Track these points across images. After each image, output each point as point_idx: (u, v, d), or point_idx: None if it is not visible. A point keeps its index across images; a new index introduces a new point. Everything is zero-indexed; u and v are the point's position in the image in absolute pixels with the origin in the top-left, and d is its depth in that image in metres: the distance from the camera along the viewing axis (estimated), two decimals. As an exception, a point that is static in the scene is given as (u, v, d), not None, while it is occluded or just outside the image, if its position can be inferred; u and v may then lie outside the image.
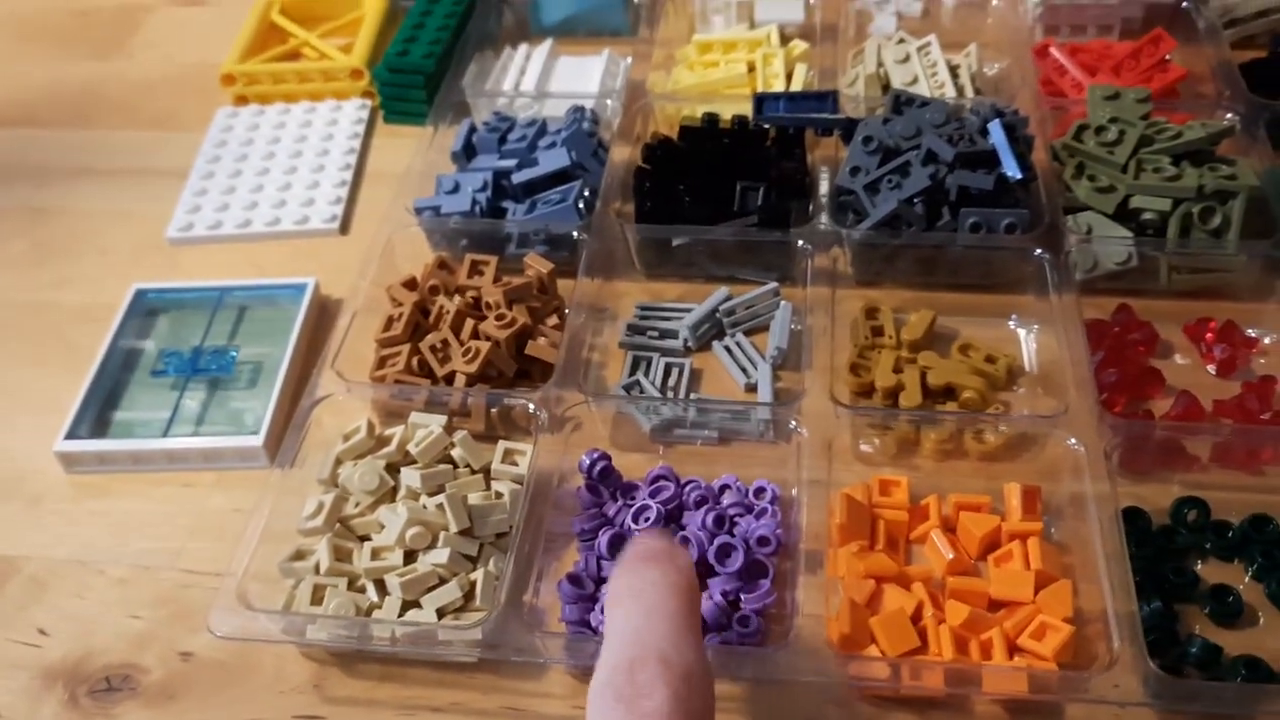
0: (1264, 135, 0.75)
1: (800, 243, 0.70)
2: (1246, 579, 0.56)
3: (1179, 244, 0.68)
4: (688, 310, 0.70)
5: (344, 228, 0.81)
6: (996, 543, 0.58)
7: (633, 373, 0.68)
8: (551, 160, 0.75)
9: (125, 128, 0.93)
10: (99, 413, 0.68)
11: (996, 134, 0.70)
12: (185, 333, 0.72)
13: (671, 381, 0.67)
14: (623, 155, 0.79)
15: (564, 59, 0.91)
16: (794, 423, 0.61)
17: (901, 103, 0.75)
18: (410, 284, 0.70)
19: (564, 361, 0.66)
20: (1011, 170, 0.69)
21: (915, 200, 0.69)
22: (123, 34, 1.04)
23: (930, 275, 0.71)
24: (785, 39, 0.90)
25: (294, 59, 0.95)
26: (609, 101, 0.82)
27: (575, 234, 0.71)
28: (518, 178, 0.75)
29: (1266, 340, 0.67)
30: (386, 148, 0.88)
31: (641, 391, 0.66)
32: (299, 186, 0.83)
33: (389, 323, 0.67)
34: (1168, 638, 0.53)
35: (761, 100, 0.78)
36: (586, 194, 0.74)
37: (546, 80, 0.88)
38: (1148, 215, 0.69)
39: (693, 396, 0.67)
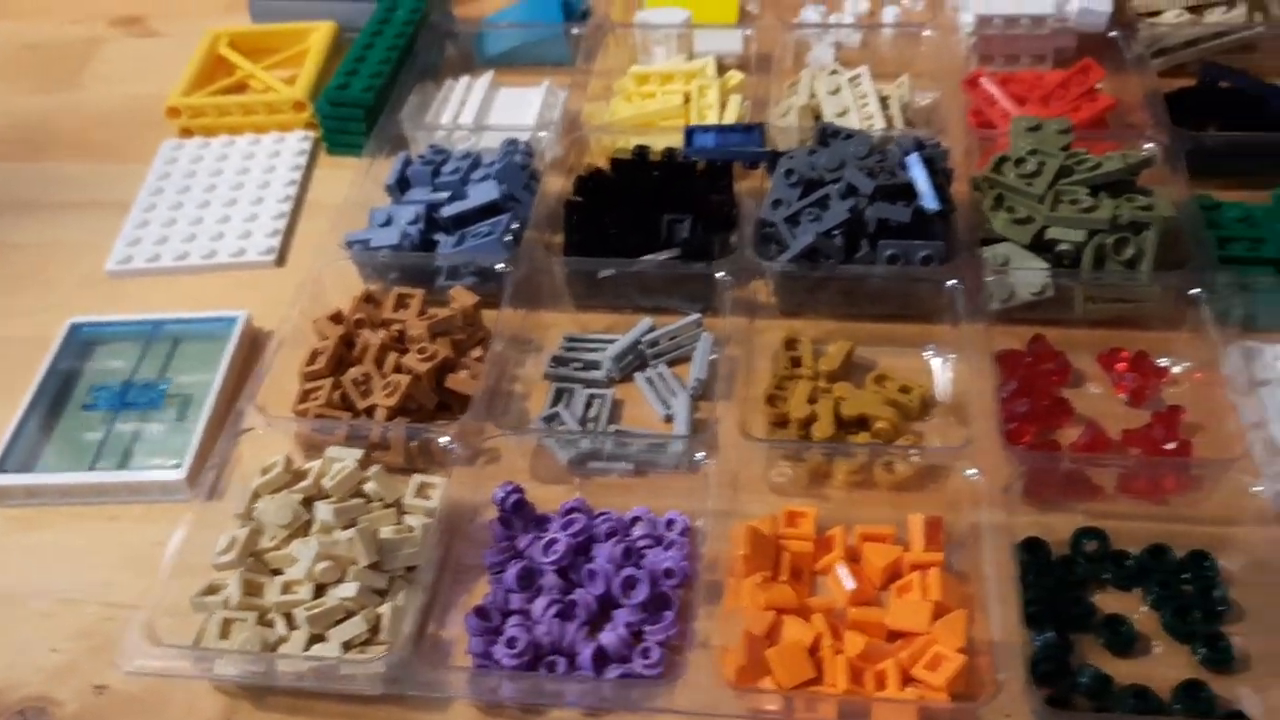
0: (1184, 166, 0.76)
1: (720, 274, 0.70)
2: (1144, 608, 0.57)
3: (1093, 275, 0.69)
4: (613, 341, 0.71)
5: (281, 259, 0.82)
6: (899, 573, 0.58)
7: (554, 404, 0.69)
8: (481, 193, 0.76)
9: (74, 160, 0.94)
10: (30, 447, 0.69)
11: (915, 167, 0.71)
12: (118, 366, 0.73)
13: (592, 413, 0.68)
14: (557, 187, 0.80)
15: (504, 90, 0.92)
16: (700, 455, 0.62)
17: (828, 135, 0.76)
18: (336, 318, 0.71)
19: (487, 394, 0.67)
20: (929, 203, 0.70)
21: (834, 233, 0.70)
22: (75, 67, 1.05)
23: (852, 306, 0.72)
24: (724, 69, 0.91)
25: (241, 91, 0.96)
26: (542, 134, 0.83)
27: (500, 267, 0.72)
28: (447, 211, 0.76)
29: (1177, 370, 0.67)
30: (329, 179, 0.89)
31: (561, 423, 0.67)
32: (237, 219, 0.84)
33: (313, 357, 0.68)
34: (1059, 668, 0.54)
35: (691, 132, 0.79)
36: (515, 226, 0.75)
37: (486, 112, 0.90)
38: (1063, 246, 0.70)
39: (612, 428, 0.68)
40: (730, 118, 0.85)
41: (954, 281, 0.68)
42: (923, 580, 0.57)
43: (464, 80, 0.93)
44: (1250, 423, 0.61)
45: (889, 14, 0.98)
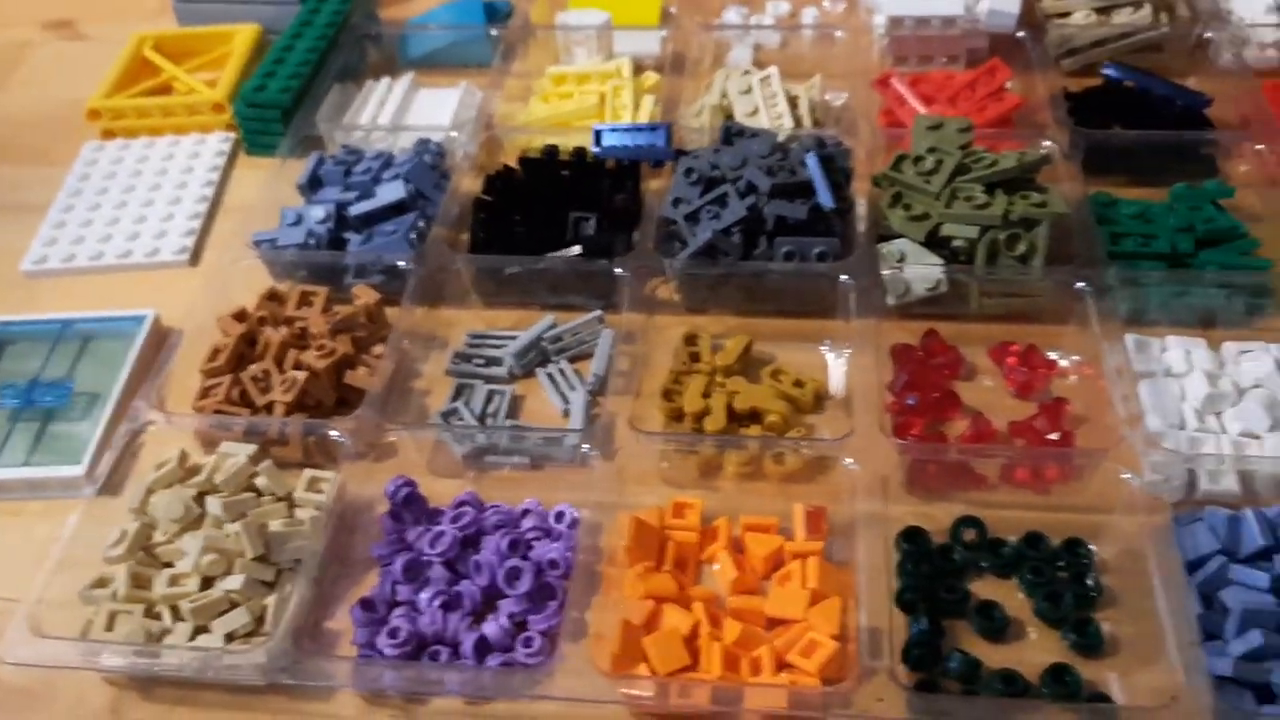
0: (1080, 164, 0.77)
1: (620, 271, 0.71)
2: (1021, 595, 0.58)
3: (986, 270, 0.71)
4: (516, 338, 0.72)
5: (195, 259, 0.82)
6: (780, 562, 0.59)
7: (455, 400, 0.69)
8: (388, 193, 0.77)
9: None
10: (-66, 445, 0.69)
11: (812, 165, 0.72)
12: (28, 364, 0.74)
13: (492, 408, 0.69)
14: (470, 186, 0.81)
15: (423, 91, 0.93)
16: (587, 448, 0.63)
17: (732, 134, 0.77)
18: (240, 315, 0.71)
19: (387, 390, 0.67)
20: (825, 200, 0.71)
21: (733, 230, 0.71)
22: (3, 71, 1.05)
23: (752, 302, 0.73)
24: (645, 71, 0.92)
25: (166, 94, 0.96)
26: (454, 134, 0.84)
27: (404, 264, 0.73)
28: (355, 210, 0.76)
29: (1065, 363, 0.69)
30: (248, 180, 0.89)
31: (459, 418, 0.68)
32: (154, 219, 0.84)
33: (214, 353, 0.69)
34: (932, 653, 0.55)
35: (600, 132, 0.80)
36: (422, 225, 0.76)
37: (404, 113, 0.90)
38: (958, 242, 0.71)
39: (508, 423, 0.68)
40: (644, 118, 0.86)
41: (846, 277, 0.69)
42: (802, 569, 0.58)
43: (384, 81, 0.93)
44: (1131, 414, 0.62)
45: (808, 16, 0.99)
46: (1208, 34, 0.90)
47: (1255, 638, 0.51)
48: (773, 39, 0.97)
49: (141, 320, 0.74)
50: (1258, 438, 0.63)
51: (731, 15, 1.00)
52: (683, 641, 0.55)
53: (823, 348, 0.71)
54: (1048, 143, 0.78)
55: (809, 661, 0.54)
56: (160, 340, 0.75)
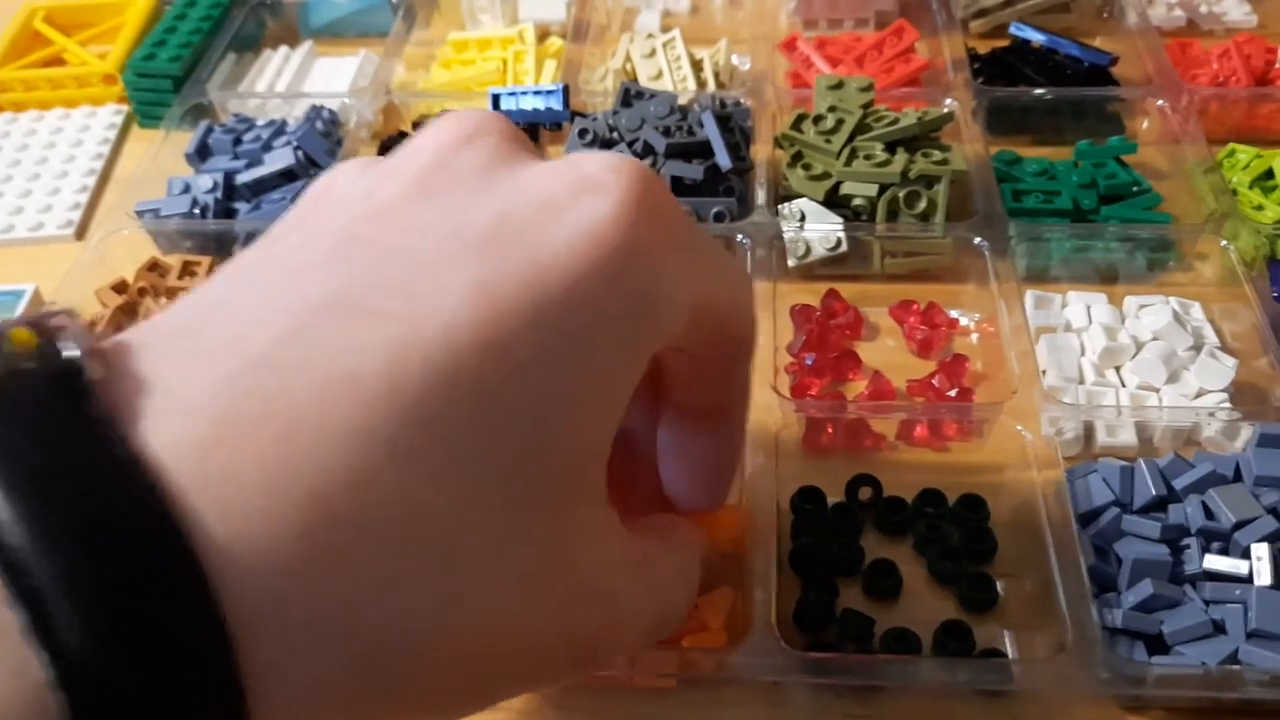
0: (985, 121, 0.77)
1: (513, 236, 0.70)
2: (916, 553, 0.57)
3: (887, 227, 0.69)
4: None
5: (81, 234, 0.79)
6: (672, 517, 0.58)
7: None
8: (277, 159, 0.74)
9: (-122, 138, 0.91)
10: None
11: (709, 125, 0.70)
12: (-100, 343, 0.71)
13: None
14: (367, 153, 0.79)
15: (321, 60, 0.91)
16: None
17: (631, 95, 0.76)
18: (120, 287, 0.69)
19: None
20: (723, 160, 0.70)
21: (629, 191, 0.69)
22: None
23: (653, 265, 0.72)
24: (548, 37, 0.90)
25: (57, 65, 0.93)
26: (348, 100, 0.81)
27: (291, 233, 0.71)
28: (243, 178, 0.74)
29: (966, 321, 0.68)
30: (140, 153, 0.86)
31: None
32: (40, 193, 0.81)
33: (90, 326, 0.66)
34: (824, 613, 0.54)
35: (497, 96, 0.78)
36: (312, 193, 0.74)
37: (301, 82, 0.88)
38: (858, 201, 0.70)
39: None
40: (546, 83, 0.84)
41: (743, 237, 0.68)
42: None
43: (281, 51, 0.91)
44: (1028, 370, 0.61)
45: (718, -20, 0.98)
46: (1114, -7, 0.90)
47: (1145, 588, 0.51)
48: (682, 4, 0.96)
49: (20, 294, 0.72)
50: (1156, 390, 0.62)
51: (640, -19, 0.98)
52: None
53: (722, 310, 0.70)
54: (950, 101, 0.77)
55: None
56: (40, 315, 0.72)
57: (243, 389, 0.24)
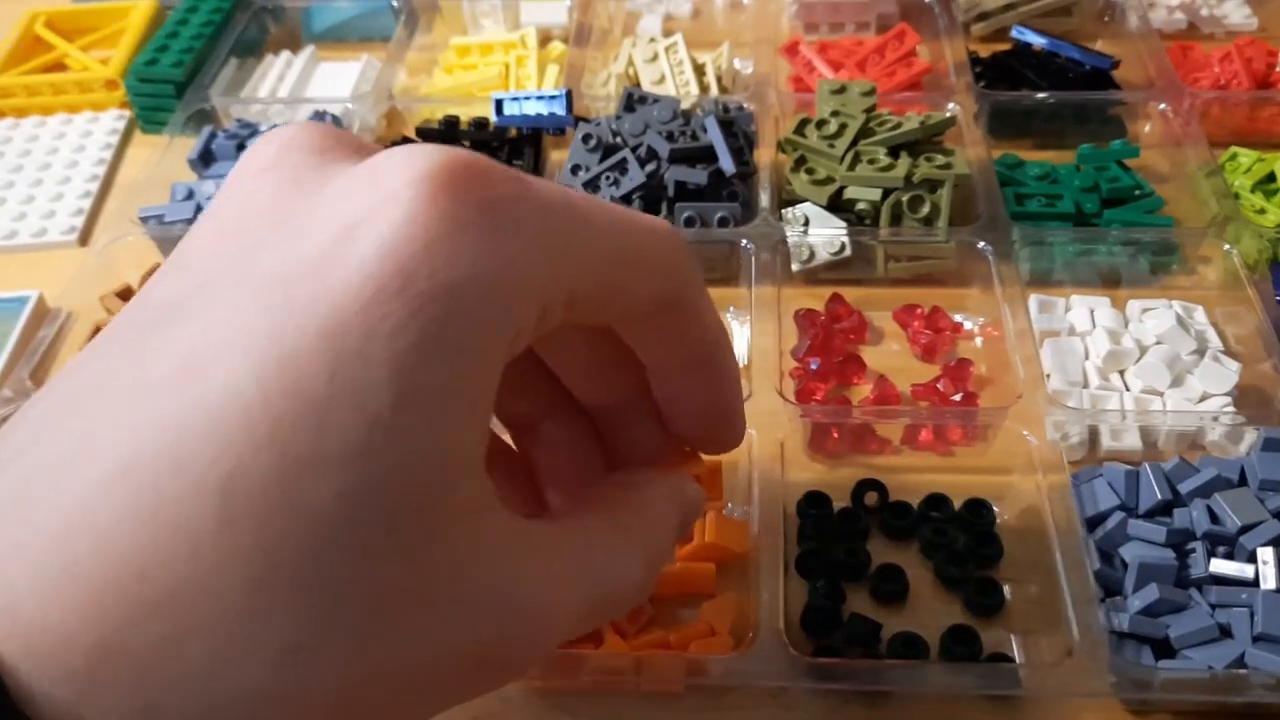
0: (985, 125, 0.77)
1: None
2: (922, 558, 0.57)
3: (891, 232, 0.70)
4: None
5: (84, 239, 0.79)
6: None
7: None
8: (281, 165, 0.74)
9: (-119, 144, 0.91)
10: None
11: (712, 130, 0.70)
12: (-96, 350, 0.71)
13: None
14: (370, 160, 0.79)
15: (324, 65, 0.91)
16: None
17: (634, 100, 0.76)
18: (124, 293, 0.69)
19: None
20: (726, 165, 0.70)
21: (633, 197, 0.69)
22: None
23: (657, 270, 0.72)
24: (550, 41, 0.90)
25: (59, 71, 0.93)
26: (349, 105, 0.82)
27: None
28: (247, 184, 0.74)
29: (970, 325, 0.68)
30: (143, 158, 0.86)
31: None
32: (42, 199, 0.81)
33: (95, 332, 0.67)
34: (830, 618, 0.54)
35: (500, 101, 0.78)
36: (316, 198, 0.74)
37: (303, 87, 0.88)
38: (862, 206, 0.70)
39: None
40: (548, 87, 0.84)
41: (748, 242, 0.68)
42: (702, 523, 0.56)
43: (284, 56, 0.91)
44: (1033, 374, 0.61)
45: (720, -16, 0.98)
46: (1115, -4, 0.90)
47: (1151, 592, 0.51)
48: (684, 8, 0.96)
49: (25, 301, 0.72)
50: (1160, 394, 0.62)
51: (641, -15, 0.98)
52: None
53: (727, 315, 0.70)
54: (953, 105, 0.78)
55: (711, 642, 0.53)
56: (44, 321, 0.72)
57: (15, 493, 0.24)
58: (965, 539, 0.57)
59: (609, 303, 0.32)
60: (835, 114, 0.73)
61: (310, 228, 0.26)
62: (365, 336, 0.24)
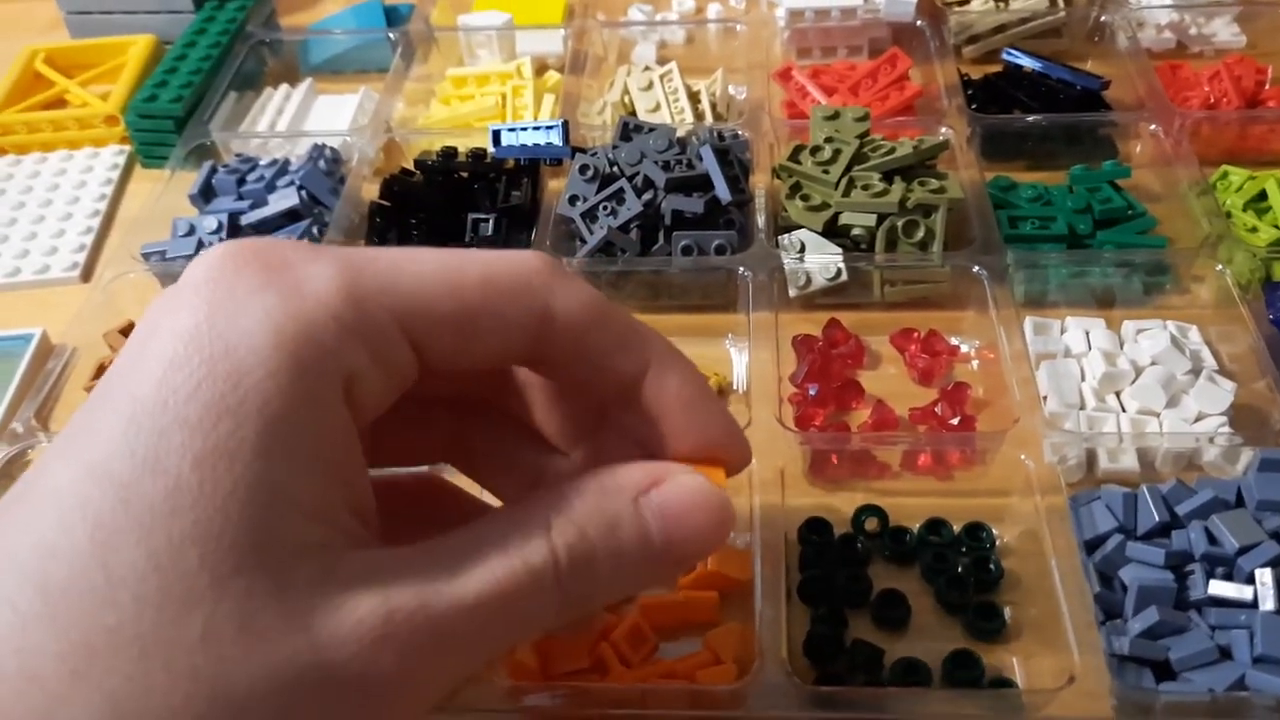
0: (978, 148, 0.77)
1: (516, 272, 0.70)
2: (923, 582, 0.58)
3: (886, 257, 0.70)
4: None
5: (87, 275, 0.80)
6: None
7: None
8: (281, 200, 0.75)
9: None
10: None
11: (708, 158, 0.71)
12: (-91, 389, 0.71)
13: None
14: (369, 191, 0.80)
15: (322, 98, 0.92)
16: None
17: (630, 129, 0.76)
18: (127, 330, 0.69)
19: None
20: (722, 193, 0.70)
21: (630, 226, 0.70)
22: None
23: (656, 298, 0.73)
24: (546, 70, 0.91)
25: (58, 107, 0.94)
26: (348, 138, 0.82)
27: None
28: (248, 219, 0.75)
29: (966, 348, 0.68)
30: (144, 193, 0.87)
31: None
32: (45, 235, 0.82)
33: (99, 370, 0.67)
34: (833, 645, 0.54)
35: (498, 132, 0.79)
36: (316, 232, 0.74)
37: (302, 120, 0.89)
38: (857, 231, 0.71)
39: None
40: (545, 117, 0.85)
41: (744, 269, 0.69)
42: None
43: (282, 89, 0.92)
44: (1029, 396, 0.62)
45: (713, 11, 0.99)
46: (1104, 18, 0.91)
47: (1151, 615, 0.51)
48: (677, 35, 0.97)
49: (29, 339, 0.72)
50: (1156, 415, 0.63)
51: (636, 13, 0.99)
52: (584, 643, 0.54)
53: (725, 342, 0.71)
54: (945, 129, 0.78)
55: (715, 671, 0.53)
56: (48, 358, 0.72)
57: None
58: (965, 562, 0.57)
59: (472, 338, 0.32)
60: (829, 140, 0.74)
61: (135, 338, 0.29)
62: (159, 409, 0.27)
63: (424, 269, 0.31)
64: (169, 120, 0.86)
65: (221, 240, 0.73)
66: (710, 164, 0.71)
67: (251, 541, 0.27)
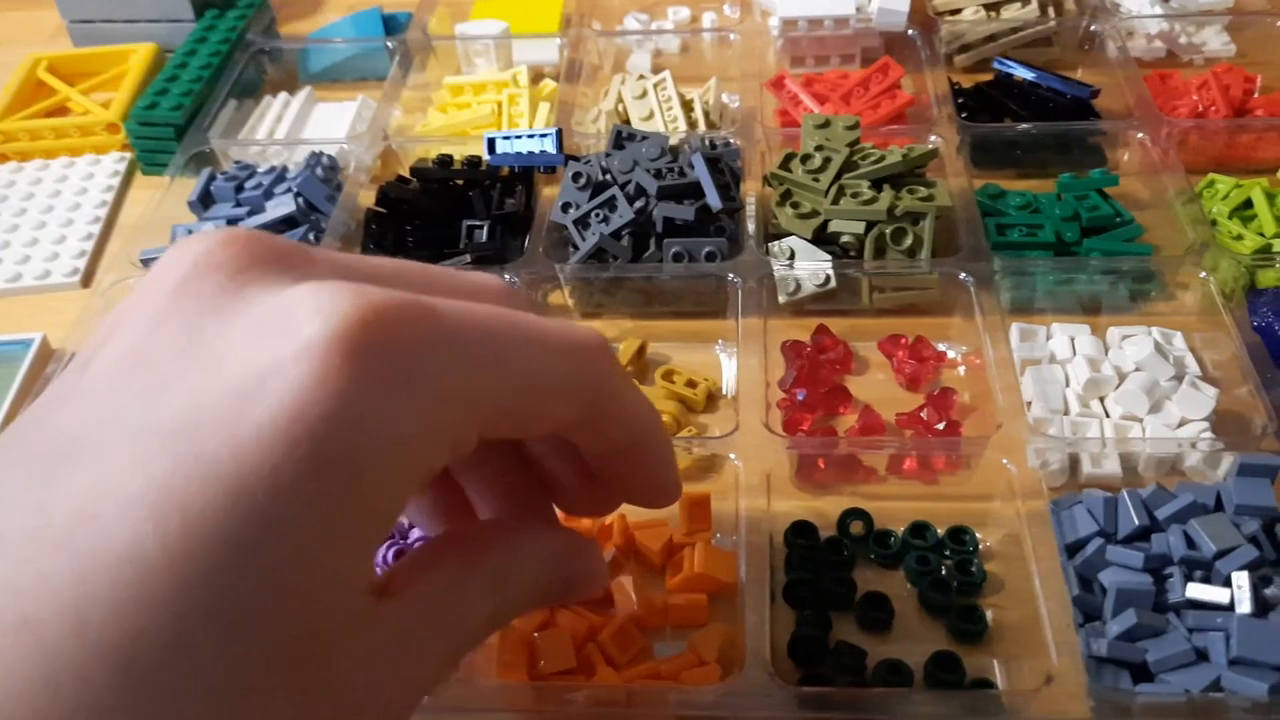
0: (967, 156, 0.78)
1: (509, 277, 0.71)
2: (907, 585, 0.58)
3: (875, 264, 0.71)
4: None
5: (87, 281, 0.81)
6: (673, 552, 0.59)
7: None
8: (279, 206, 0.76)
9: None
10: None
11: (699, 166, 0.72)
12: (-89, 393, 0.72)
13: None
14: (366, 198, 0.81)
15: (321, 105, 0.93)
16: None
17: (623, 138, 0.77)
18: (126, 335, 0.70)
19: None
20: (713, 201, 0.71)
21: (622, 233, 0.71)
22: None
23: (647, 305, 0.74)
24: (542, 79, 0.92)
25: (62, 115, 0.95)
26: (345, 145, 0.83)
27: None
28: (246, 225, 0.76)
29: (953, 354, 0.69)
30: (144, 200, 0.88)
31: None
32: (46, 241, 0.83)
33: (98, 375, 0.68)
34: (817, 647, 0.55)
35: (493, 140, 0.80)
36: (313, 238, 0.75)
37: (301, 128, 0.90)
38: (846, 238, 0.72)
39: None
40: (540, 125, 0.86)
41: (734, 276, 0.70)
42: (691, 554, 0.58)
43: (281, 97, 0.93)
44: (1014, 402, 0.63)
45: (708, 20, 1.00)
46: (1094, 27, 0.91)
47: (1129, 617, 0.52)
48: (672, 44, 0.98)
49: (29, 344, 0.73)
50: (1139, 420, 0.63)
51: (631, 22, 1.00)
52: (572, 644, 0.54)
53: (716, 347, 0.71)
54: (935, 137, 0.79)
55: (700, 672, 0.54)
56: (48, 363, 0.73)
57: None
58: (949, 565, 0.58)
59: (522, 426, 0.33)
60: (820, 148, 0.75)
61: (220, 370, 0.26)
62: (271, 496, 0.25)
63: (511, 362, 0.31)
64: (169, 128, 0.87)
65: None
66: (701, 172, 0.72)
67: (327, 644, 0.28)
